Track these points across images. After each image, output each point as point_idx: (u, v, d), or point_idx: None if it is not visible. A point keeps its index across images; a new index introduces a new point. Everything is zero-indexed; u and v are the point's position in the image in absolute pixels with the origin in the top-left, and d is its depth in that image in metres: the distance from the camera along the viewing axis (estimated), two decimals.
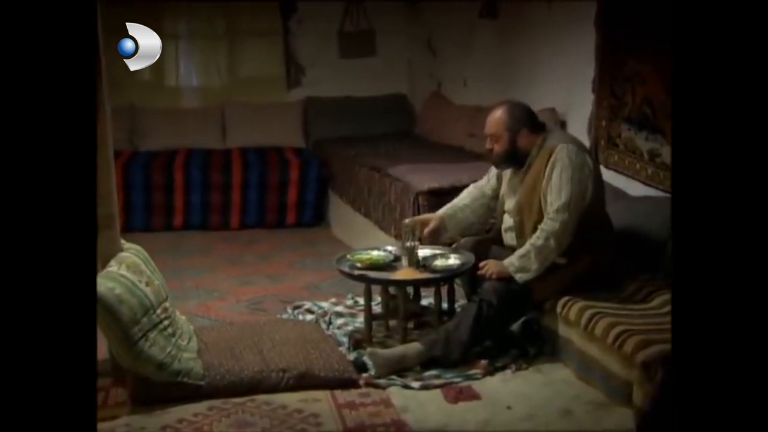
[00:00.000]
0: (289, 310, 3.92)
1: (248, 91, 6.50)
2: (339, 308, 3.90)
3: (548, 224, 3.20)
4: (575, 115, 4.45)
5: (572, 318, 3.09)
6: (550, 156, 3.25)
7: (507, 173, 3.50)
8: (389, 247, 3.68)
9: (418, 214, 4.26)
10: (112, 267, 2.94)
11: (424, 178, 4.41)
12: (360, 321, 3.70)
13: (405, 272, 3.36)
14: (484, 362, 3.17)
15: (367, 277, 3.37)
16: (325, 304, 3.95)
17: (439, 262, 3.41)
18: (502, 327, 3.31)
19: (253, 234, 5.63)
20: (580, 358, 3.05)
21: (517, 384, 3.06)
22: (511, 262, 3.25)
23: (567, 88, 4.56)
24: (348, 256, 3.54)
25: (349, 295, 4.07)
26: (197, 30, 6.39)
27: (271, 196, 5.79)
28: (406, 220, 3.61)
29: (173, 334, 3.03)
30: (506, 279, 3.22)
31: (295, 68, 6.60)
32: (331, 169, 5.86)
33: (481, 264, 3.33)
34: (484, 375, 3.12)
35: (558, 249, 3.20)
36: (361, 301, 3.95)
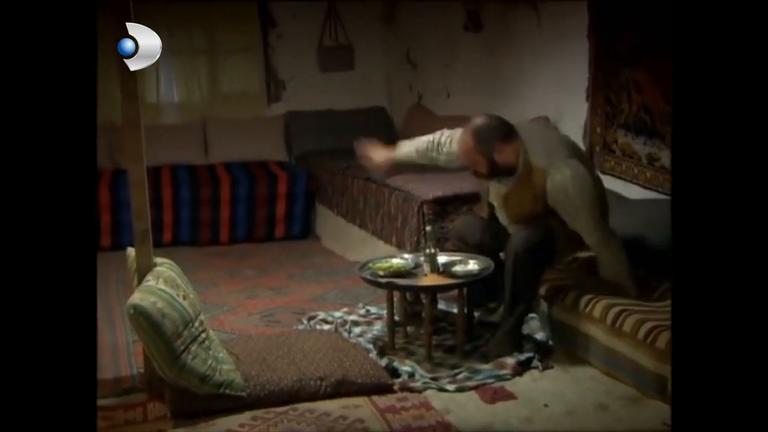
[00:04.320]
0: (305, 321, 3.96)
1: (229, 107, 6.51)
2: (353, 317, 3.95)
3: (595, 247, 3.37)
4: (569, 123, 4.59)
5: (597, 315, 3.21)
6: (543, 178, 3.24)
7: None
8: (406, 255, 3.75)
9: (423, 223, 4.36)
10: (150, 281, 2.95)
11: (426, 187, 4.49)
12: (376, 329, 3.77)
13: (430, 279, 3.43)
14: (511, 362, 3.27)
15: (394, 284, 3.44)
16: (338, 314, 3.99)
17: (458, 268, 3.50)
18: (533, 275, 3.39)
19: (244, 248, 5.64)
20: (606, 354, 3.17)
21: (548, 382, 3.16)
22: (608, 277, 3.39)
23: (558, 97, 4.70)
24: (369, 264, 3.60)
25: (360, 305, 4.13)
26: (177, 46, 6.37)
27: (259, 210, 5.80)
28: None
29: (210, 347, 3.04)
30: (534, 228, 3.32)
31: (275, 83, 6.64)
32: (319, 182, 5.90)
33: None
34: (514, 375, 3.21)
35: (616, 242, 3.35)
36: (373, 309, 4.06)
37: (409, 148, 3.80)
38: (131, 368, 3.46)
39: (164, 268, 3.07)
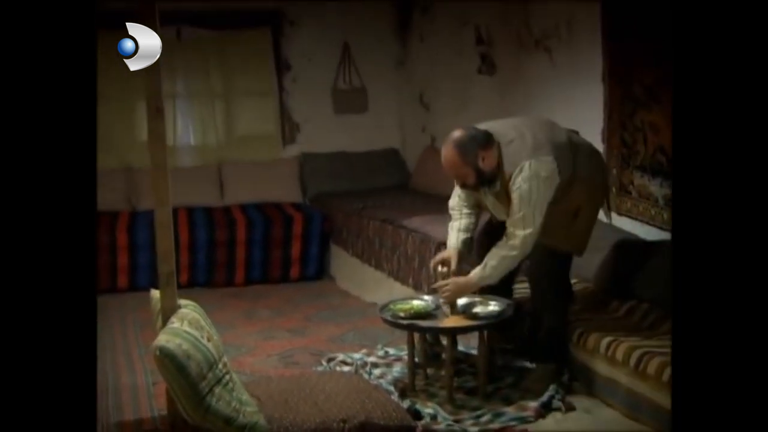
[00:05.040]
0: (324, 363, 3.96)
1: (245, 149, 6.60)
2: (372, 359, 3.96)
3: (510, 238, 3.34)
4: None
5: (619, 358, 3.20)
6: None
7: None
8: (426, 297, 3.76)
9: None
10: (174, 323, 2.96)
11: (443, 228, 4.50)
12: (396, 370, 3.77)
13: (452, 320, 3.44)
14: (534, 404, 3.26)
15: (415, 326, 3.44)
16: (357, 356, 4.00)
17: (479, 309, 3.51)
18: (563, 298, 3.60)
19: (259, 289, 5.67)
20: (628, 397, 3.16)
21: (571, 425, 3.16)
22: (475, 272, 3.43)
23: None
24: (389, 306, 3.61)
25: (379, 346, 4.14)
26: (194, 89, 6.48)
27: (275, 251, 5.85)
28: (437, 268, 3.63)
29: (234, 389, 3.04)
30: (552, 258, 3.47)
31: (290, 125, 6.73)
32: (334, 223, 5.94)
33: (439, 285, 3.48)
34: (537, 417, 3.21)
35: (521, 257, 3.39)
36: (392, 351, 4.06)
37: (452, 230, 3.72)
38: (152, 410, 3.47)
39: (188, 309, 3.09)
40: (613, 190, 4.42)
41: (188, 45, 6.31)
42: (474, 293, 3.61)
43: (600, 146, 4.48)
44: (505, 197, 3.40)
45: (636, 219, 4.23)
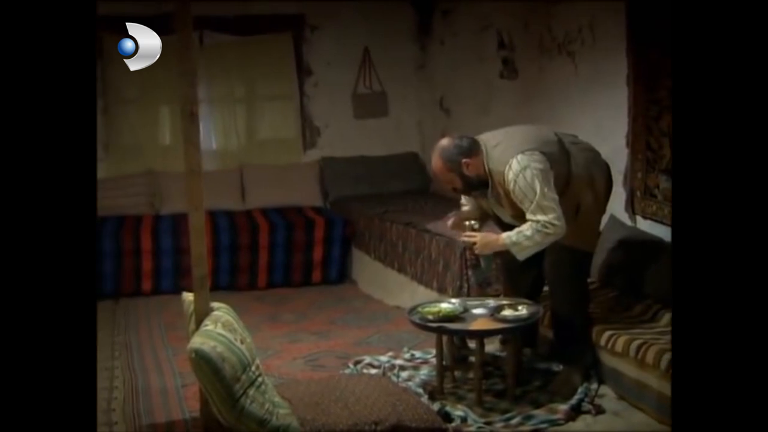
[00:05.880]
0: (351, 365, 3.98)
1: (266, 153, 6.64)
2: (399, 362, 3.97)
3: (539, 223, 3.38)
4: None
5: (650, 361, 3.21)
6: (503, 180, 3.45)
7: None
8: (453, 300, 3.78)
9: (465, 267, 4.39)
10: (208, 326, 2.99)
11: None
12: (423, 373, 3.79)
13: (480, 323, 3.46)
14: (564, 407, 3.27)
15: (444, 329, 3.46)
16: (384, 358, 4.01)
17: (507, 312, 3.52)
18: (582, 299, 3.66)
19: (282, 293, 5.70)
20: (659, 401, 3.16)
21: (601, 428, 3.16)
22: (508, 234, 3.47)
23: (596, 144, 4.72)
24: (418, 309, 3.63)
25: (405, 349, 4.15)
26: (216, 94, 6.52)
27: (297, 255, 5.87)
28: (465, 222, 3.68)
29: (266, 391, 3.07)
30: (570, 258, 3.53)
31: (311, 130, 6.77)
32: (355, 227, 5.97)
33: (468, 235, 3.56)
34: (567, 420, 3.22)
35: (554, 236, 3.38)
36: (418, 354, 4.07)
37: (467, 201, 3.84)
38: (183, 412, 3.49)
39: (221, 312, 3.11)
40: (638, 194, 4.42)
41: (210, 50, 6.35)
42: (501, 297, 3.64)
43: (624, 150, 4.50)
44: (504, 199, 3.51)
45: (661, 222, 4.23)
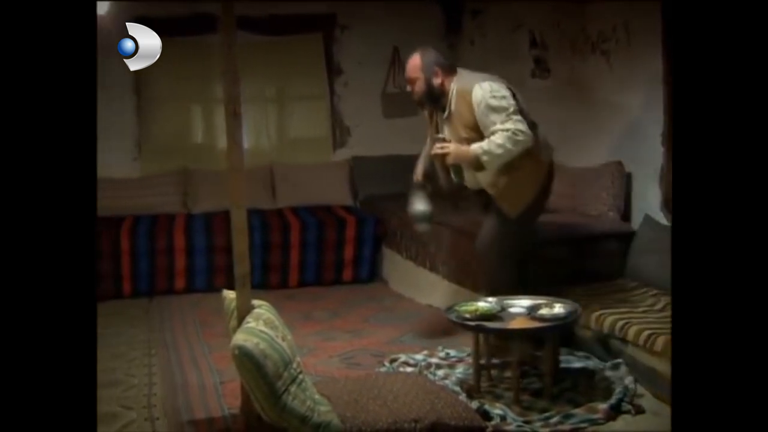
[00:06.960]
0: (387, 364, 3.99)
1: (296, 152, 6.68)
2: (434, 360, 3.98)
3: (502, 132, 3.65)
4: (643, 168, 4.62)
5: None
6: (468, 99, 3.71)
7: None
8: (490, 299, 3.78)
9: None
10: (250, 323, 3.01)
11: None
12: (459, 372, 3.80)
13: (518, 322, 3.46)
14: (604, 406, 3.26)
15: (483, 327, 3.47)
16: (419, 357, 4.03)
17: (544, 311, 3.52)
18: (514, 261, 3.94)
19: (313, 291, 5.72)
20: None
21: (642, 425, 3.15)
22: (480, 145, 3.70)
23: (632, 143, 4.74)
24: (455, 307, 3.64)
25: (440, 347, 4.16)
26: (247, 94, 6.53)
27: (328, 254, 5.89)
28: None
29: (307, 388, 3.09)
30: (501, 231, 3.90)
31: (341, 129, 6.80)
32: (386, 226, 5.98)
33: (441, 145, 3.83)
34: (607, 419, 3.21)
35: (523, 142, 3.66)
36: (453, 352, 4.08)
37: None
38: (222, 409, 3.52)
39: (262, 309, 3.14)
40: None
41: (242, 50, 6.31)
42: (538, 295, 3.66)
43: (660, 149, 4.48)
44: (457, 118, 3.79)
45: None
